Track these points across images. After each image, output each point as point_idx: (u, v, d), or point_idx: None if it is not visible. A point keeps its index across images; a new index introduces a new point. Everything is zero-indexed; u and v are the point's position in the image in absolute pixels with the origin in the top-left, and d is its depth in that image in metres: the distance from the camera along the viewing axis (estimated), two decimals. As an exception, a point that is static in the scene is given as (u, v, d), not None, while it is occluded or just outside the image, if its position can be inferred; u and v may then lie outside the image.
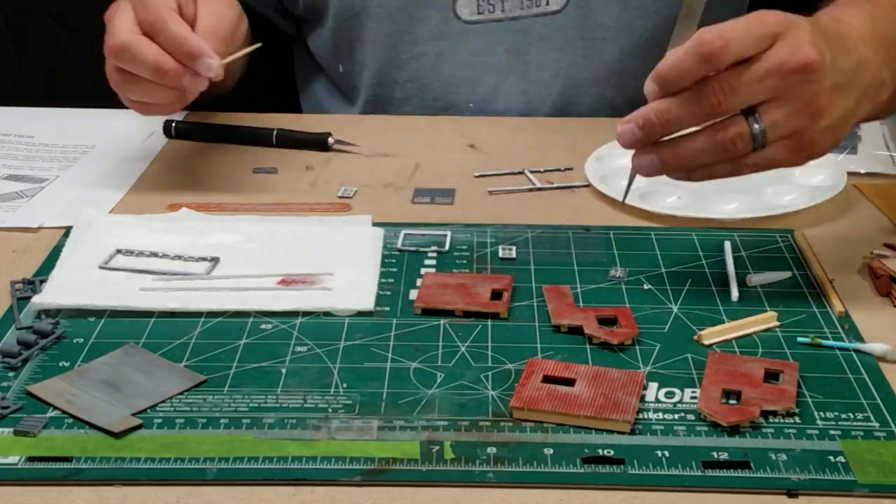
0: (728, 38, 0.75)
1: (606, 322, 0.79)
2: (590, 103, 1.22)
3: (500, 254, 0.89)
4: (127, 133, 1.16)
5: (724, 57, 0.75)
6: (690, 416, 0.69)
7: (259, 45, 1.07)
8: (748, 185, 1.00)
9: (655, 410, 0.70)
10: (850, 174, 1.01)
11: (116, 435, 0.67)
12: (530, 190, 1.02)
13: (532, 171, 1.05)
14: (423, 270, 0.87)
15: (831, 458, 0.65)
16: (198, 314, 0.80)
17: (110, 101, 1.24)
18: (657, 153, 0.79)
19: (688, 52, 0.75)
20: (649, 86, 0.78)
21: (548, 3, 1.18)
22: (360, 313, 0.81)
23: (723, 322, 0.79)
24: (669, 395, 0.71)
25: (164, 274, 0.85)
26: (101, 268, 0.86)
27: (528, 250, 0.90)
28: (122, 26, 0.95)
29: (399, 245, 0.91)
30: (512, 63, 1.20)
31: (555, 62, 1.20)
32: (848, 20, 0.84)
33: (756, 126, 0.77)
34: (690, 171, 0.80)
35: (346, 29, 1.21)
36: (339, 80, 1.28)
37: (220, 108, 1.21)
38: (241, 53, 1.04)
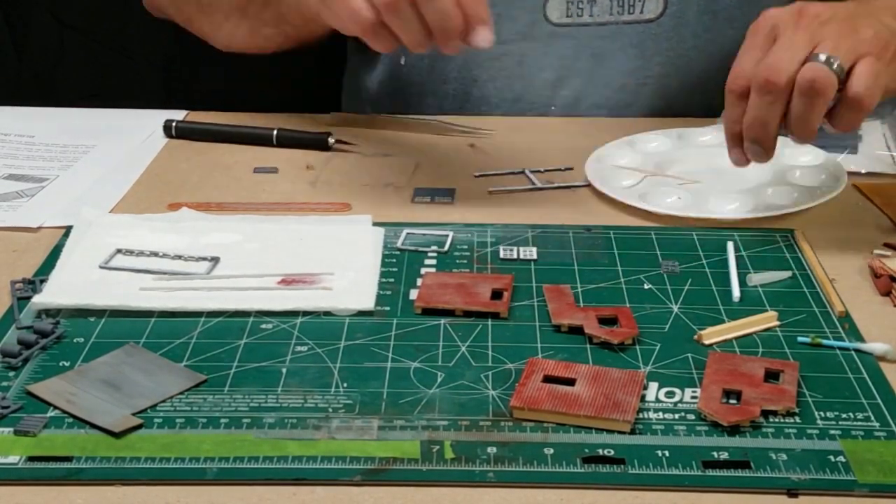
0: (739, 67, 0.88)
1: (607, 322, 0.79)
2: (676, 112, 1.20)
3: (501, 254, 0.89)
4: (127, 133, 1.16)
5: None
6: (691, 416, 0.69)
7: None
8: (748, 185, 1.00)
9: (656, 410, 0.70)
10: (850, 174, 1.01)
11: (117, 435, 0.67)
12: (530, 190, 1.02)
13: (532, 171, 1.05)
14: (423, 270, 0.87)
15: (831, 457, 0.65)
16: (198, 314, 0.80)
17: (110, 101, 1.25)
18: (759, 144, 0.89)
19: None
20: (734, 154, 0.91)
21: (642, 12, 1.17)
22: (361, 313, 0.81)
23: (723, 322, 0.79)
24: (670, 394, 0.71)
25: (165, 274, 0.85)
26: (101, 267, 0.86)
27: (569, 250, 0.90)
28: None
29: (399, 245, 0.91)
30: (598, 69, 1.19)
31: (643, 70, 1.19)
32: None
33: (822, 57, 0.84)
34: (803, 135, 0.88)
35: None
36: (397, 74, 1.24)
37: (221, 108, 1.21)
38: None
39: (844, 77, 0.85)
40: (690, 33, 1.18)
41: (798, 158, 1.04)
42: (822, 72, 0.83)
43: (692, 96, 1.20)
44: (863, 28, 0.86)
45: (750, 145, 0.89)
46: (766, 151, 0.89)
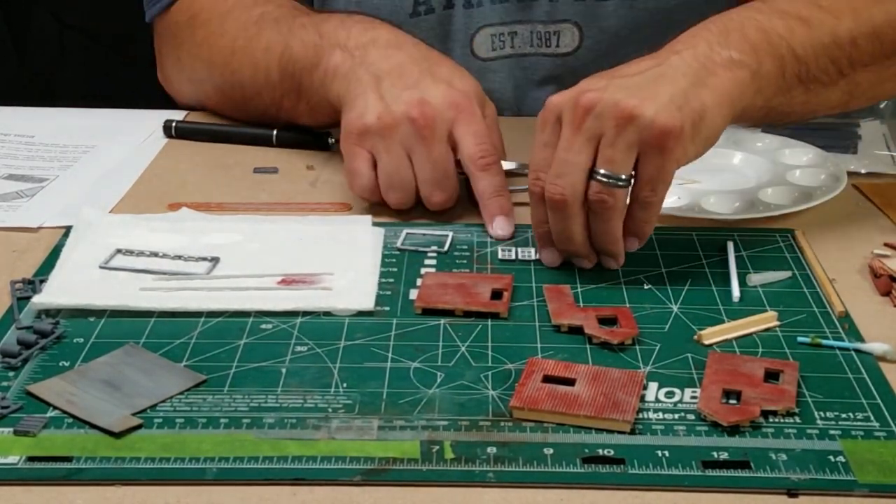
0: (536, 167, 0.84)
1: (606, 322, 0.79)
2: None
3: (500, 254, 0.89)
4: (127, 133, 1.16)
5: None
6: (690, 416, 0.69)
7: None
8: (748, 185, 1.01)
9: (655, 410, 0.70)
10: (850, 174, 1.01)
11: (116, 435, 0.67)
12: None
13: (532, 171, 1.05)
14: (423, 270, 0.87)
15: (831, 457, 0.65)
16: (198, 314, 0.80)
17: (110, 101, 1.25)
18: (575, 255, 0.87)
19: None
20: (545, 255, 0.88)
21: (558, 45, 1.19)
22: (360, 313, 0.81)
23: (723, 322, 0.79)
24: (669, 394, 0.71)
25: (165, 274, 0.85)
26: (101, 267, 0.86)
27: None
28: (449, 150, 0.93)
29: (399, 245, 0.91)
30: (522, 100, 1.20)
31: None
32: (677, 37, 0.88)
33: (598, 175, 0.81)
34: (610, 251, 0.85)
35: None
36: None
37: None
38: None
39: (630, 177, 0.81)
40: (609, 65, 1.15)
41: (798, 158, 1.04)
42: (604, 190, 0.81)
43: None
44: (646, 107, 0.79)
45: (571, 256, 0.86)
46: (588, 260, 0.86)
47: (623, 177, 0.81)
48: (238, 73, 1.12)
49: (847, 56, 0.91)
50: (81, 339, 0.77)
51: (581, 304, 0.82)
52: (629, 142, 0.80)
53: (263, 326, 0.79)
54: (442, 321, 0.80)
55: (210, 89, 1.18)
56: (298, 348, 0.77)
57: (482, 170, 0.93)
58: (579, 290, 0.84)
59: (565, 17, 1.18)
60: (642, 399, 0.71)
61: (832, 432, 0.68)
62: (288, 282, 0.84)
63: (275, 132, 1.12)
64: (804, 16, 0.90)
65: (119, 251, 0.88)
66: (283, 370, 0.74)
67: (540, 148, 0.84)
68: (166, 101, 1.26)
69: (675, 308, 0.82)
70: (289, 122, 1.11)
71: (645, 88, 0.81)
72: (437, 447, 0.66)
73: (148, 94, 1.65)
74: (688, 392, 0.72)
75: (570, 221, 0.83)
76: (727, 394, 0.71)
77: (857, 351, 0.76)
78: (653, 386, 0.72)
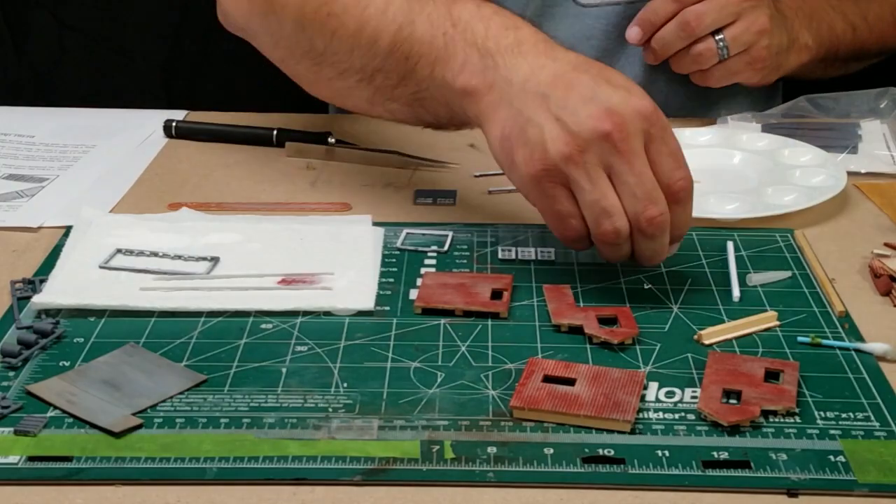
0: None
1: (607, 322, 0.79)
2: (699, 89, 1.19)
3: (500, 254, 0.89)
4: (127, 133, 1.16)
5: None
6: (691, 416, 0.69)
7: None
8: (748, 185, 1.01)
9: (656, 410, 0.70)
10: (850, 174, 1.01)
11: (117, 434, 0.67)
12: (530, 190, 1.02)
13: (532, 171, 1.05)
14: (423, 270, 0.87)
15: (831, 457, 0.65)
16: (198, 314, 0.80)
17: (110, 101, 1.25)
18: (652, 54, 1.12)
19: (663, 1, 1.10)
20: (633, 31, 1.13)
21: None
22: (361, 313, 0.81)
23: (723, 322, 0.79)
24: (670, 394, 0.71)
25: (165, 273, 0.85)
26: (101, 267, 0.86)
27: (569, 250, 0.88)
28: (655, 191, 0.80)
29: (399, 245, 0.91)
30: (621, 49, 1.18)
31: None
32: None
33: (721, 41, 1.09)
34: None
35: None
36: None
37: (221, 108, 1.21)
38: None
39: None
40: None
41: (798, 158, 1.04)
42: (710, 50, 1.10)
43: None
44: (771, 34, 1.11)
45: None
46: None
47: (727, 56, 1.11)
48: (335, 17, 0.94)
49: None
50: (81, 339, 0.77)
51: (581, 304, 0.82)
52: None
53: (264, 326, 0.79)
54: (442, 321, 0.80)
55: (291, 16, 0.98)
56: (299, 348, 0.77)
57: (677, 202, 0.81)
58: (579, 290, 0.84)
59: None
60: (642, 399, 0.71)
61: (832, 432, 0.68)
62: (288, 282, 0.84)
63: (275, 132, 1.12)
64: (856, 24, 1.20)
65: (119, 251, 0.88)
66: (284, 370, 0.74)
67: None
68: (166, 102, 1.26)
69: (675, 308, 0.82)
70: (367, 98, 0.96)
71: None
72: (438, 447, 0.66)
73: (148, 94, 1.65)
74: (688, 392, 0.72)
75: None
76: (727, 394, 0.71)
77: (858, 351, 0.76)
78: (653, 386, 0.72)
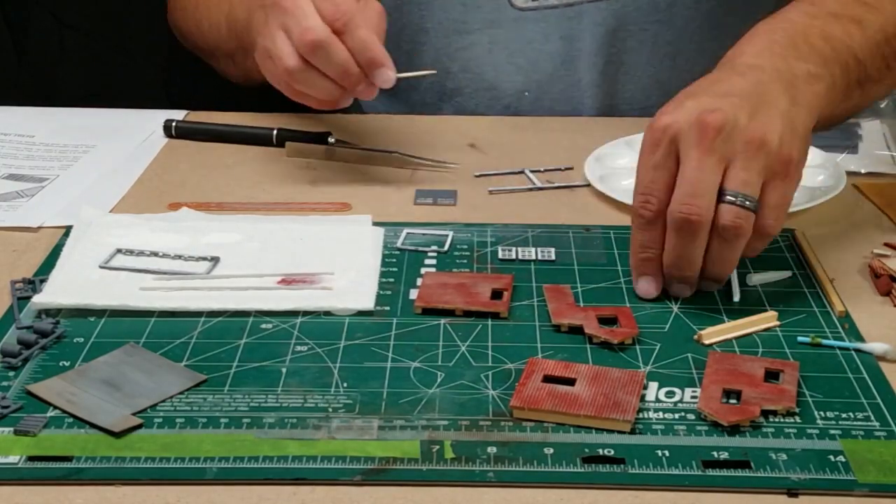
0: (647, 189, 0.80)
1: (607, 321, 0.79)
2: (643, 87, 1.21)
3: (500, 254, 0.89)
4: (127, 133, 1.16)
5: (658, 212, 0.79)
6: (691, 416, 0.69)
7: (434, 71, 1.06)
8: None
9: (656, 410, 0.70)
10: (849, 174, 1.01)
11: (117, 434, 0.67)
12: (530, 189, 1.02)
13: (532, 171, 1.05)
14: (423, 270, 0.87)
15: (831, 457, 0.65)
16: (198, 314, 0.80)
17: (110, 101, 1.25)
18: (685, 282, 0.82)
19: (635, 231, 0.82)
20: (642, 285, 0.83)
21: None
22: (361, 313, 0.81)
23: (723, 321, 0.79)
24: (670, 394, 0.71)
25: (165, 273, 0.85)
26: (101, 267, 0.86)
27: (569, 250, 0.90)
28: (312, 19, 0.93)
29: (399, 244, 0.91)
30: (567, 51, 1.19)
31: (609, 48, 1.19)
32: (738, 47, 0.87)
33: (731, 197, 0.78)
34: (721, 277, 0.82)
35: (394, 18, 1.14)
36: None
37: (221, 108, 1.21)
38: (415, 74, 1.03)
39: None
40: (653, 7, 1.18)
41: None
42: (741, 215, 0.77)
43: (661, 72, 1.21)
44: (772, 133, 0.78)
45: (675, 283, 0.82)
46: (691, 287, 0.82)
47: (753, 199, 0.78)
48: (201, 23, 1.21)
49: (893, 50, 0.92)
50: (81, 339, 0.77)
51: (581, 304, 0.82)
52: (760, 167, 0.78)
53: (263, 326, 0.79)
54: (442, 321, 0.80)
55: (196, 38, 1.27)
56: (299, 348, 0.77)
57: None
58: (579, 289, 0.84)
59: None
60: (642, 399, 0.71)
61: (832, 432, 0.68)
62: (288, 282, 0.84)
63: (275, 132, 1.12)
64: (856, 16, 0.91)
65: (119, 251, 0.88)
66: (284, 370, 0.74)
67: (649, 169, 0.79)
68: (166, 102, 1.26)
69: (675, 308, 0.82)
70: (242, 78, 1.19)
71: (760, 112, 0.79)
72: (438, 447, 0.66)
73: (148, 94, 1.65)
74: (688, 392, 0.72)
75: (696, 244, 0.78)
76: (727, 393, 0.71)
77: (858, 351, 0.76)
78: (653, 386, 0.72)
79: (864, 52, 0.90)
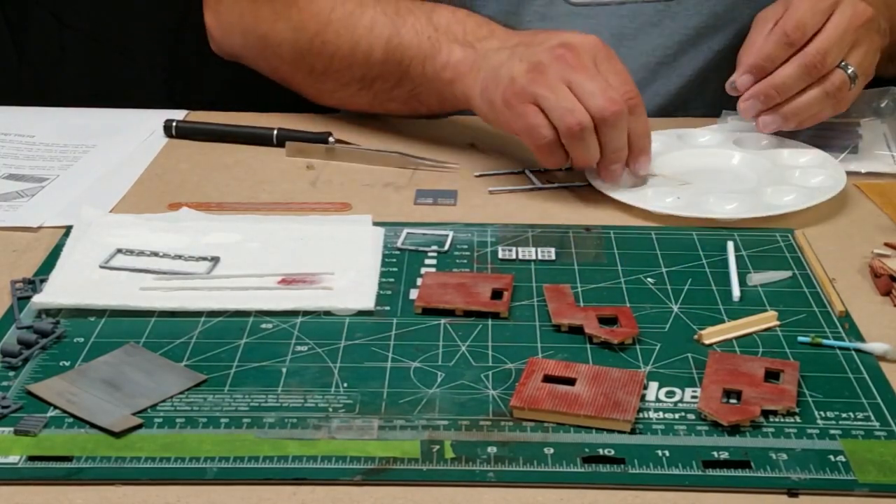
0: (803, 23, 1.00)
1: (607, 321, 0.79)
2: (698, 90, 1.21)
3: (500, 254, 0.89)
4: (127, 133, 1.16)
5: (804, 39, 1.00)
6: (691, 416, 0.69)
7: (690, 183, 1.02)
8: (748, 185, 1.01)
9: (656, 410, 0.70)
10: (850, 174, 1.01)
11: (117, 434, 0.67)
12: (531, 189, 1.02)
13: (532, 171, 1.05)
14: (423, 270, 0.87)
15: (832, 457, 0.65)
16: (198, 314, 0.80)
17: (111, 101, 1.25)
18: (779, 113, 1.03)
19: (776, 44, 1.01)
20: (745, 78, 1.02)
21: None
22: (361, 313, 0.81)
23: (723, 321, 0.79)
24: (670, 394, 0.71)
25: (165, 273, 0.85)
26: (101, 267, 0.86)
27: (569, 250, 0.90)
28: (613, 90, 0.94)
29: (399, 244, 0.91)
30: (617, 48, 1.19)
31: (663, 49, 1.19)
32: None
33: (850, 70, 1.02)
34: (803, 120, 1.04)
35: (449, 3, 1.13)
36: None
37: (221, 108, 1.21)
38: (665, 177, 1.01)
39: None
40: (710, 12, 1.18)
41: (798, 159, 1.04)
42: (846, 83, 1.01)
43: (716, 75, 1.20)
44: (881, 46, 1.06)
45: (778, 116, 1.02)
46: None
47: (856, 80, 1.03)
48: (331, 44, 1.10)
49: None
50: (81, 339, 0.77)
51: (581, 304, 0.82)
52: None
53: (264, 326, 0.79)
54: (442, 321, 0.80)
55: (288, 51, 1.13)
56: (299, 348, 0.77)
57: (631, 112, 0.95)
58: (579, 289, 0.84)
59: None
60: (643, 399, 0.71)
61: (832, 432, 0.68)
62: (288, 281, 0.84)
63: (275, 131, 1.12)
64: None
65: (119, 251, 0.88)
66: (284, 370, 0.74)
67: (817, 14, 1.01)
68: (166, 102, 1.26)
69: (675, 308, 0.82)
70: (368, 102, 1.13)
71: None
72: (438, 447, 0.66)
73: (148, 94, 1.65)
74: (688, 392, 0.72)
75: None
76: (727, 393, 0.71)
77: (858, 351, 0.76)
78: (653, 385, 0.72)
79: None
